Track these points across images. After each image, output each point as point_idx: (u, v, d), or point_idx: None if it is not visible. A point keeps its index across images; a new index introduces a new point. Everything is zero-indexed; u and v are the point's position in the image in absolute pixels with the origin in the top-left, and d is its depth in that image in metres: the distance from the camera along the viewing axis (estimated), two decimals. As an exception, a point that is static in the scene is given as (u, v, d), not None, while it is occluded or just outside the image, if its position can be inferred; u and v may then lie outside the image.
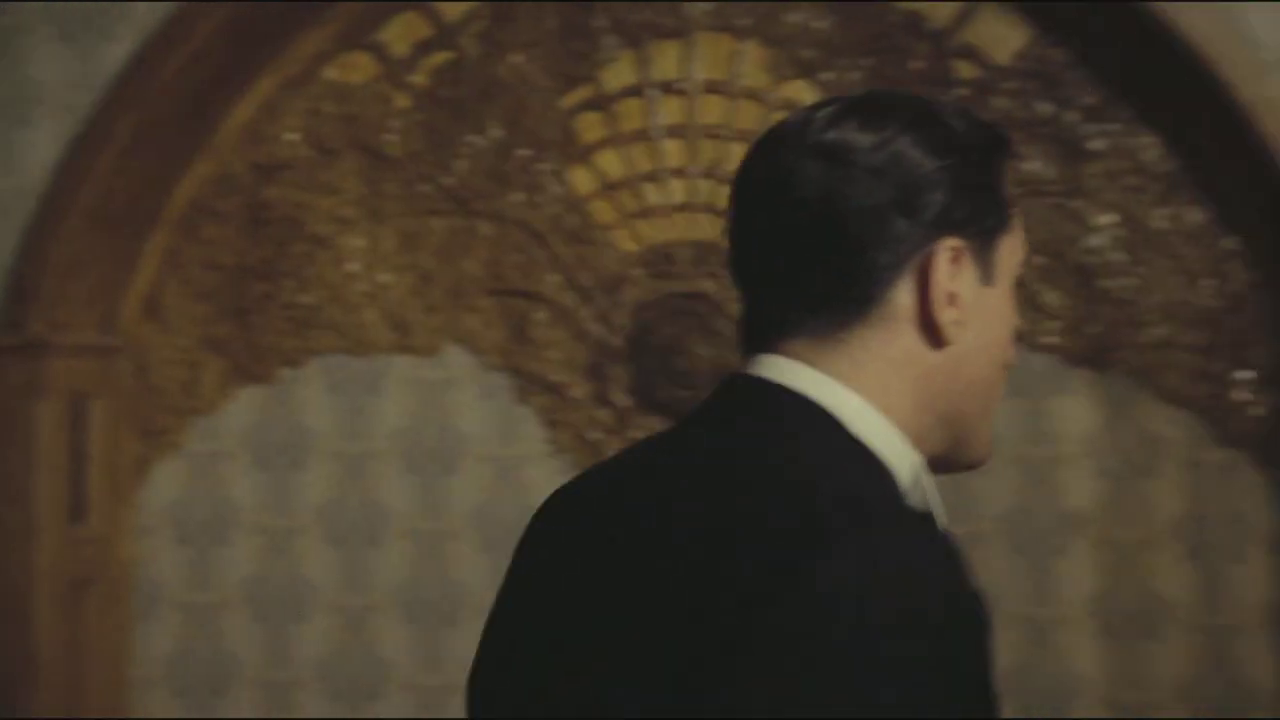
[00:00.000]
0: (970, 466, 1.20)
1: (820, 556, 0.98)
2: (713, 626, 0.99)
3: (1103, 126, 4.17)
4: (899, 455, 1.12)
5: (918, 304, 1.14)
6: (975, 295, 1.17)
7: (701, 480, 1.09)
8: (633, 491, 1.15)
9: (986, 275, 1.19)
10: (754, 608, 0.98)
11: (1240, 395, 4.10)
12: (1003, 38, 4.22)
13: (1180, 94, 4.03)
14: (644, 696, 1.03)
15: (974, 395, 1.19)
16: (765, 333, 1.15)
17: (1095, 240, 4.18)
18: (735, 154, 4.30)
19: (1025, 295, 4.21)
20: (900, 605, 0.96)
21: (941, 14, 4.24)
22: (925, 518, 1.09)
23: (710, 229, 4.35)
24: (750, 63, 4.36)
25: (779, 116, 4.20)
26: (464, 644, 3.96)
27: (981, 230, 1.18)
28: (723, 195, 4.33)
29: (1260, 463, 4.09)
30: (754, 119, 4.33)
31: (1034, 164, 4.21)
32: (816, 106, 1.17)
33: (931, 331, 1.14)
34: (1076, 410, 4.20)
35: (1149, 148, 4.15)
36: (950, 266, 1.14)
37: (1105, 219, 4.18)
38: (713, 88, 4.39)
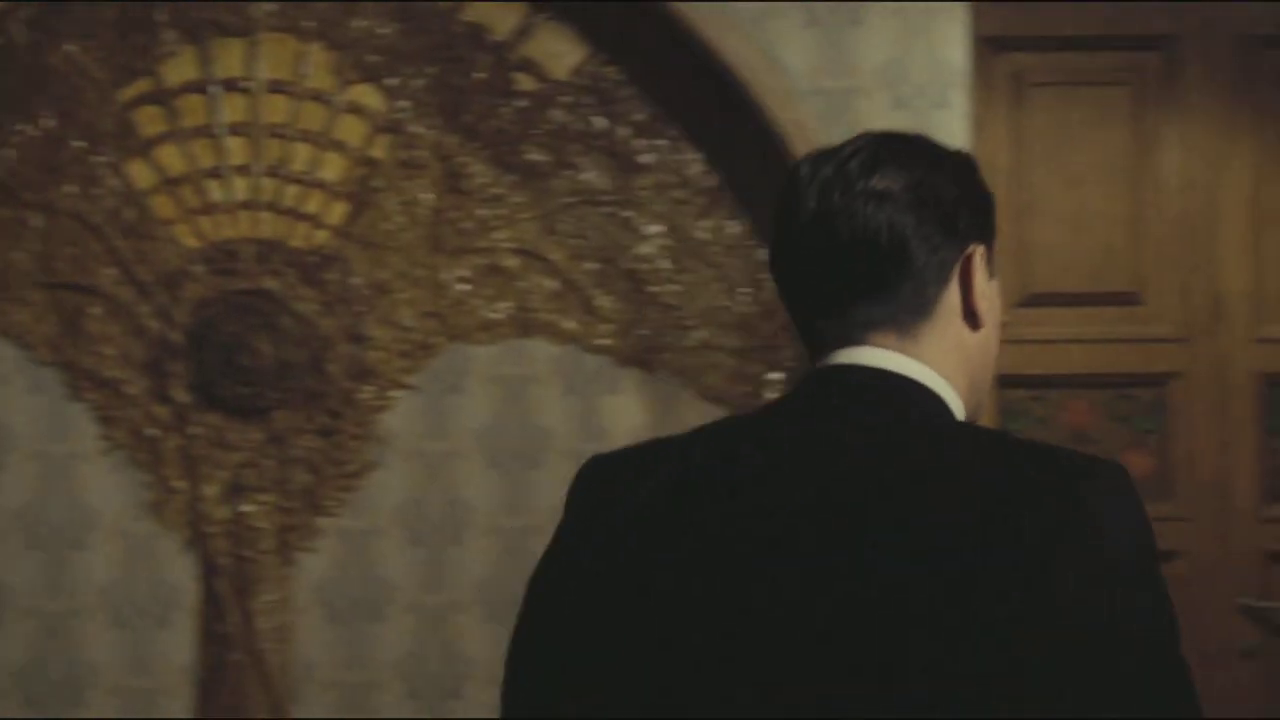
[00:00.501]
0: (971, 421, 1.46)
1: (1081, 494, 1.25)
2: (1000, 561, 1.22)
3: (652, 142, 4.44)
4: (961, 417, 1.42)
5: (961, 299, 1.41)
6: (988, 287, 1.44)
7: (885, 439, 1.32)
8: (798, 454, 1.33)
9: (990, 271, 1.45)
10: (1046, 540, 1.22)
11: (771, 394, 4.46)
12: (560, 53, 4.43)
13: (721, 115, 4.34)
14: (928, 632, 1.21)
15: (990, 364, 1.47)
16: (850, 334, 1.39)
17: (645, 249, 4.45)
18: (300, 153, 4.35)
19: (580, 299, 4.44)
20: (1146, 524, 1.29)
21: (503, 27, 4.41)
22: None
23: (274, 227, 4.37)
24: (315, 65, 4.41)
25: (345, 119, 4.35)
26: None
27: (986, 236, 1.45)
28: (289, 193, 4.37)
29: (789, 457, 4.45)
30: (319, 120, 4.38)
31: (589, 175, 4.44)
32: (843, 155, 1.42)
33: (972, 319, 1.42)
34: (627, 408, 4.45)
35: (693, 163, 4.45)
36: (979, 265, 1.42)
37: (654, 229, 4.45)
38: (277, 87, 4.41)
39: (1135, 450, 4.33)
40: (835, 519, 1.28)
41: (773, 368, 4.46)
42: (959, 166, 1.44)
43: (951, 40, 4.06)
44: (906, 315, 1.39)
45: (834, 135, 3.98)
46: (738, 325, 4.45)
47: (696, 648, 1.30)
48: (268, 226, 4.41)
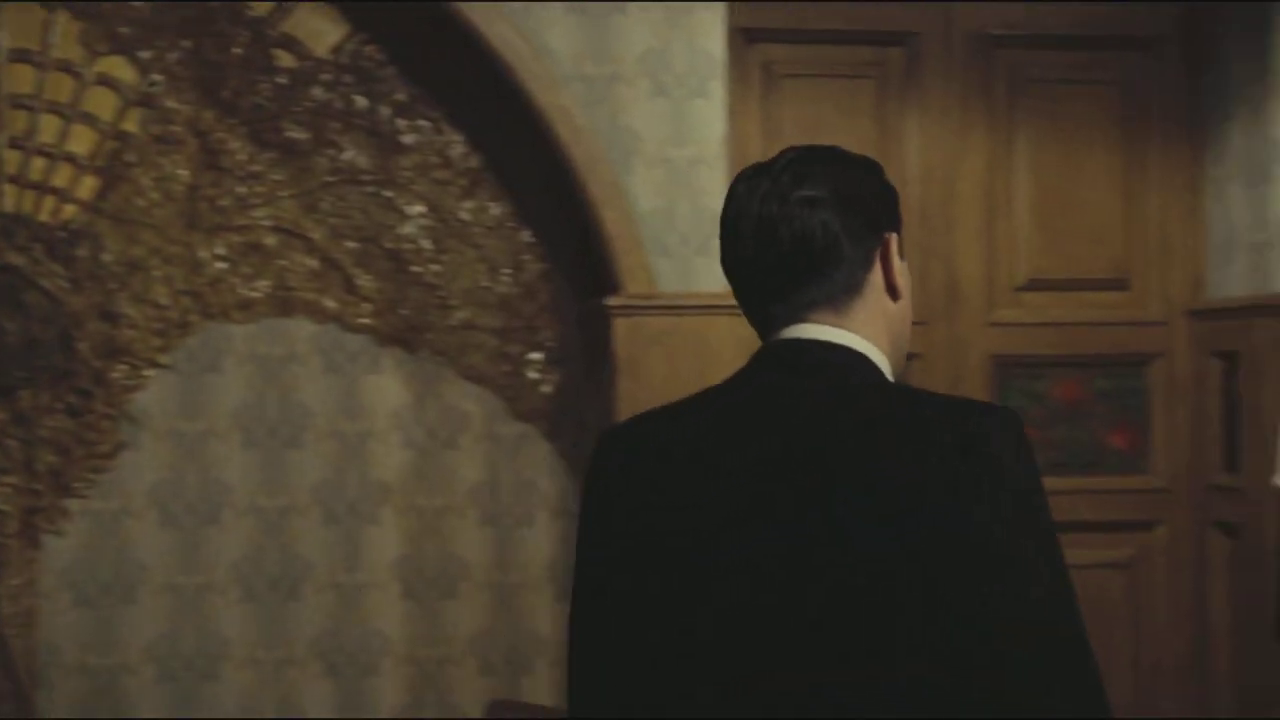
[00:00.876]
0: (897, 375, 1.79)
1: (984, 429, 1.62)
2: (927, 479, 1.60)
3: (414, 122, 4.45)
4: (888, 372, 1.76)
5: (884, 277, 1.74)
6: (901, 265, 1.76)
7: (834, 394, 1.68)
8: (778, 409, 1.69)
9: (901, 252, 1.77)
10: (955, 462, 1.60)
11: (532, 374, 4.53)
12: (321, 31, 4.40)
13: (484, 97, 4.38)
14: (886, 525, 1.59)
15: (908, 328, 1.79)
16: (795, 312, 1.73)
17: (407, 229, 4.46)
18: (48, 125, 4.22)
19: (341, 278, 4.43)
20: (1027, 447, 1.63)
21: (262, 3, 4.36)
22: None
23: (20, 201, 4.24)
24: (63, 34, 4.28)
25: (95, 91, 4.23)
26: None
27: (895, 224, 1.77)
28: (35, 166, 4.24)
29: (548, 435, 4.54)
30: (67, 91, 4.26)
31: (350, 154, 4.43)
32: (775, 170, 1.75)
33: (893, 292, 1.75)
34: (388, 387, 4.46)
35: (456, 145, 4.48)
36: (894, 249, 1.75)
37: (416, 209, 4.46)
38: (21, 56, 4.27)
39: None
40: (803, 460, 1.65)
41: (533, 348, 4.53)
42: (869, 170, 1.78)
43: (710, 31, 4.18)
44: (841, 295, 1.73)
45: (597, 121, 4.09)
46: (499, 306, 4.50)
47: (713, 582, 1.66)
48: (12, 200, 4.28)
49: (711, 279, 4.14)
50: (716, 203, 4.17)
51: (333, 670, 4.41)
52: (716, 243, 4.28)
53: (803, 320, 1.73)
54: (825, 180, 1.73)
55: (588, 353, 4.51)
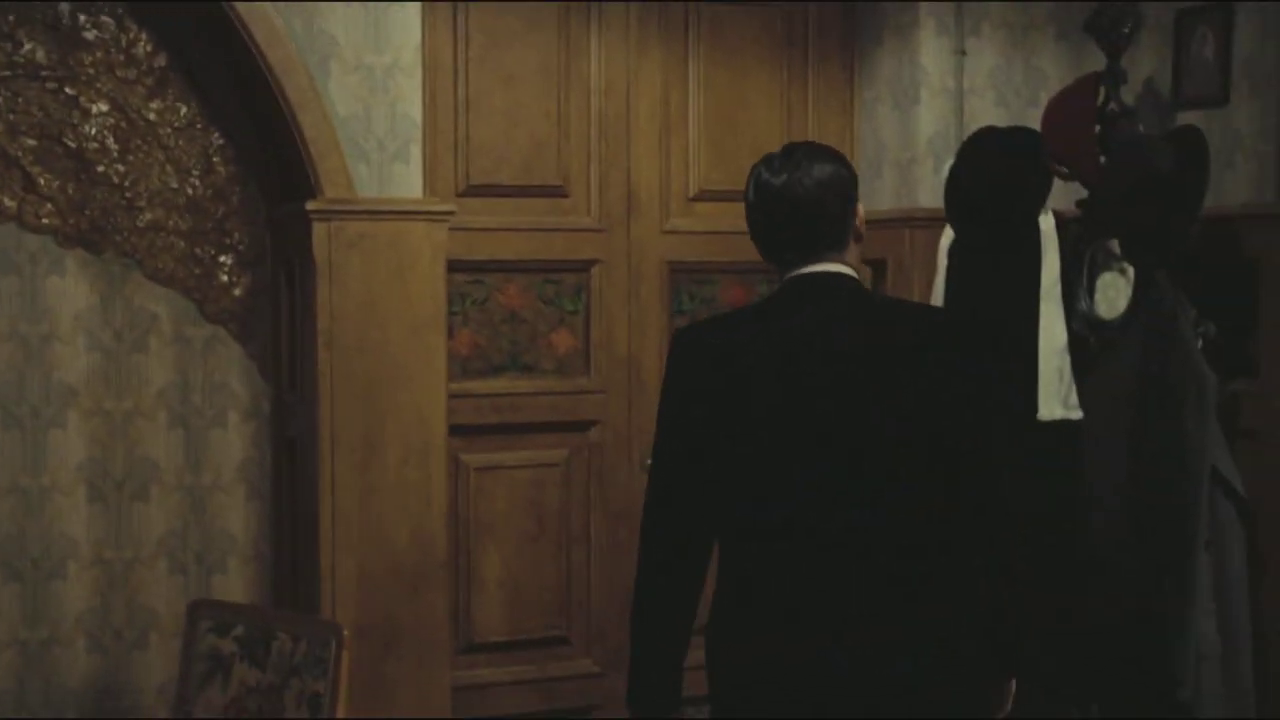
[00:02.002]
0: None
1: (940, 317, 3.17)
2: (930, 361, 2.66)
3: (96, 18, 4.35)
4: None
5: (854, 229, 2.77)
6: (862, 219, 2.80)
7: (848, 304, 2.72)
8: (813, 311, 2.70)
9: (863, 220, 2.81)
10: (939, 349, 2.67)
11: (223, 277, 4.53)
12: (-4, -82, 4.24)
13: (170, -5, 4.32)
14: (913, 387, 2.64)
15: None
16: (809, 254, 2.72)
17: (90, 127, 4.37)
18: None
19: (21, 176, 4.31)
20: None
21: (-68, -115, 4.16)
22: None
23: None
24: None
25: None
26: None
27: (857, 196, 2.80)
28: None
29: (239, 337, 4.56)
30: None
31: (30, 47, 4.29)
32: (794, 158, 2.74)
33: (859, 239, 2.78)
34: (71, 289, 4.38)
35: (141, 42, 4.40)
36: (860, 211, 2.78)
37: (99, 107, 4.37)
38: None
39: (561, 329, 4.77)
40: (839, 344, 2.67)
41: (224, 250, 4.53)
42: (843, 162, 2.77)
43: (407, -60, 4.25)
44: (836, 241, 2.74)
45: (292, 23, 4.11)
46: (188, 207, 4.48)
47: (777, 419, 2.66)
48: None
49: (407, 185, 4.25)
50: (413, 109, 4.27)
51: (17, 575, 4.35)
52: (413, 148, 4.41)
53: (815, 260, 2.73)
54: (825, 166, 2.73)
55: (278, 256, 4.54)
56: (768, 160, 2.76)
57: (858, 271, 2.77)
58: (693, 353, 2.74)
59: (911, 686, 2.63)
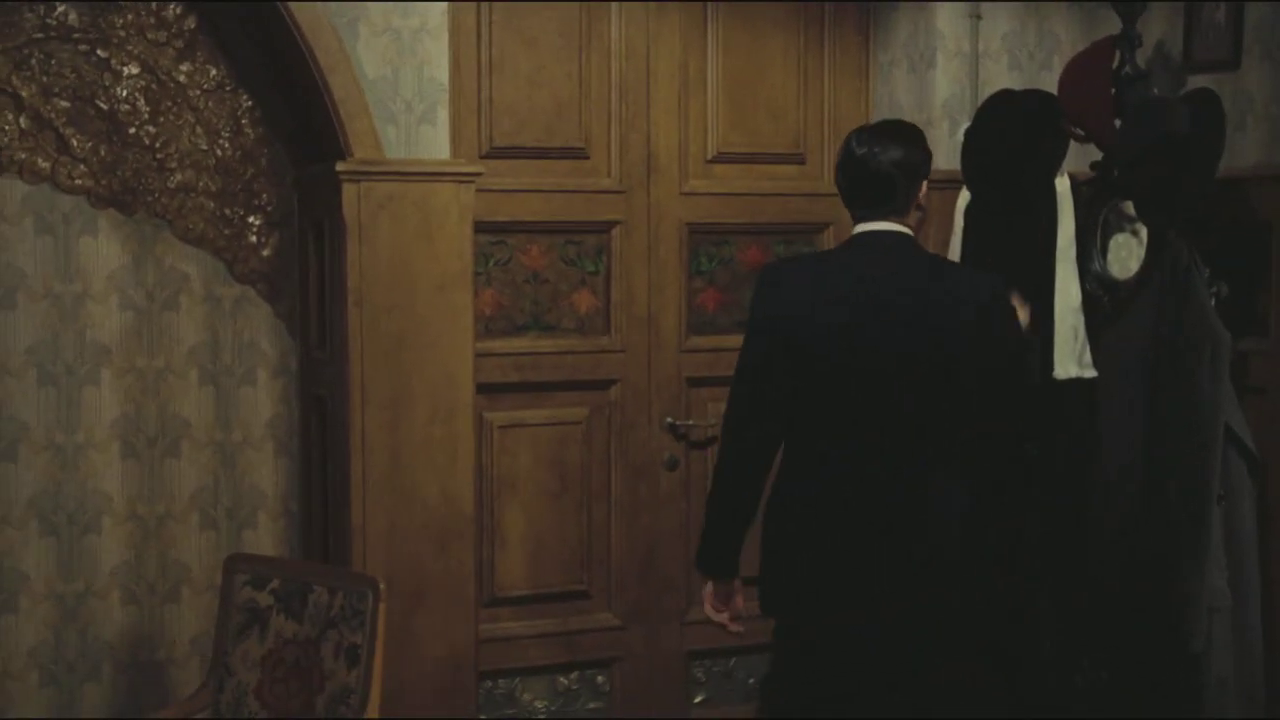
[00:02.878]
0: None
1: (992, 284, 3.46)
2: (968, 310, 3.37)
3: (127, -19, 4.41)
4: None
5: (916, 201, 3.47)
6: (925, 194, 3.49)
7: (906, 259, 3.45)
8: (875, 261, 3.44)
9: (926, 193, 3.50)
10: (982, 305, 3.39)
11: (251, 237, 4.60)
12: (27, -118, 4.29)
13: (200, -42, 4.38)
14: (952, 322, 3.36)
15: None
16: (874, 213, 3.45)
17: (121, 89, 4.43)
18: None
19: (54, 138, 4.38)
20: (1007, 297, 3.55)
21: None
22: None
23: None
24: None
25: None
26: None
27: (927, 174, 3.47)
28: None
29: (268, 296, 4.63)
30: None
31: (62, 10, 4.35)
32: (868, 137, 3.48)
33: (921, 209, 3.48)
34: (104, 248, 4.45)
35: (171, 5, 4.46)
36: (924, 188, 3.47)
37: (130, 70, 4.44)
38: None
39: (582, 290, 4.84)
40: (890, 284, 3.38)
41: (251, 211, 4.60)
42: (918, 142, 3.47)
43: (436, -92, 4.31)
44: (899, 208, 3.44)
45: (321, -14, 4.13)
46: (218, 168, 4.55)
47: (837, 337, 3.37)
48: None
49: (434, 147, 4.32)
50: (440, 72, 4.34)
51: (53, 530, 4.44)
52: (440, 110, 4.47)
53: (880, 219, 3.45)
54: (898, 145, 3.42)
55: (305, 216, 4.61)
56: (859, 132, 3.50)
57: (915, 232, 3.49)
58: (776, 282, 3.48)
59: (926, 560, 3.36)
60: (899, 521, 3.36)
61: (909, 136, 3.47)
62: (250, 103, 4.56)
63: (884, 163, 3.39)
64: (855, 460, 3.38)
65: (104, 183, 4.43)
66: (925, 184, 3.45)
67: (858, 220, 3.48)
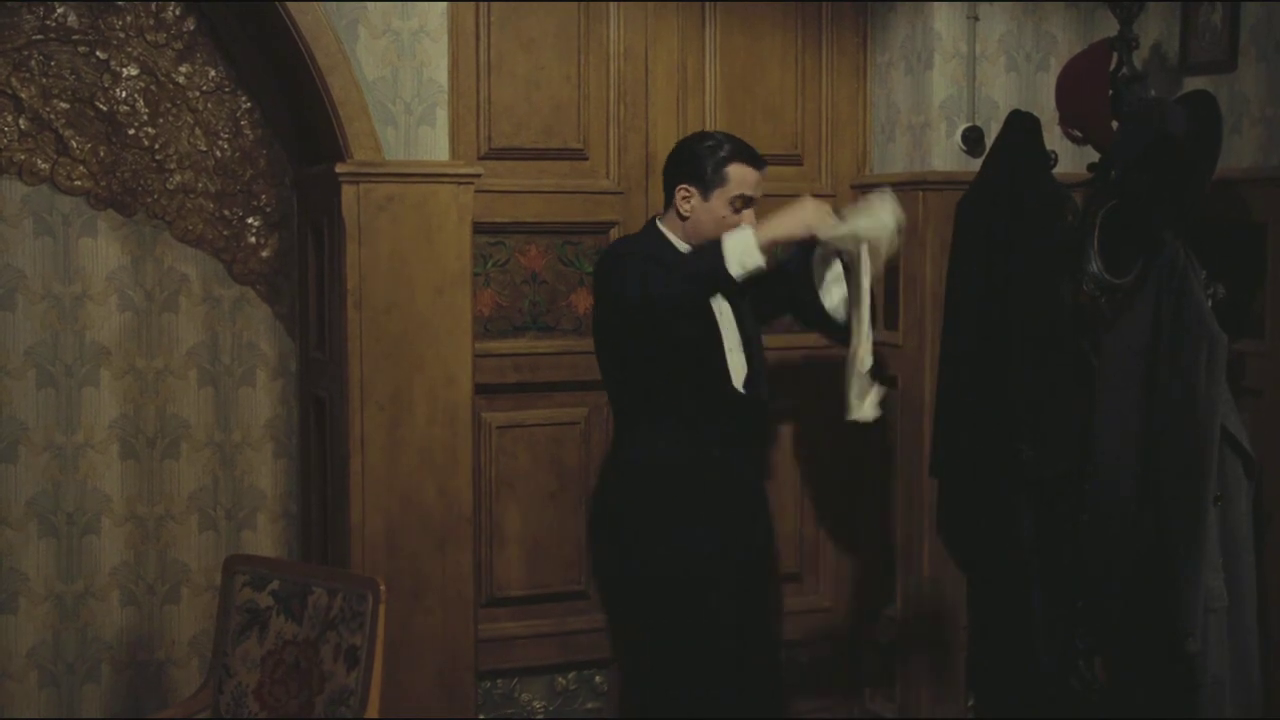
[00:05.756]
0: None
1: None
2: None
3: (126, -18, 4.41)
4: None
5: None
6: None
7: None
8: None
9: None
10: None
11: (250, 238, 4.61)
12: (26, -117, 4.29)
13: (199, -40, 4.38)
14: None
15: None
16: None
17: (120, 90, 4.44)
18: None
19: (53, 140, 4.38)
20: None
21: None
22: None
23: None
24: None
25: None
26: None
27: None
28: None
29: (267, 297, 4.64)
30: None
31: (61, 11, 4.36)
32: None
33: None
34: (103, 249, 4.46)
35: (170, 6, 4.47)
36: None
37: (129, 71, 4.44)
38: None
39: (580, 290, 4.85)
40: None
41: (250, 212, 4.61)
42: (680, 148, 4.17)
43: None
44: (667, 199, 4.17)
45: (320, -11, 4.14)
46: (217, 170, 4.55)
47: None
48: None
49: (433, 148, 4.32)
50: (439, 73, 4.35)
51: (52, 530, 4.45)
52: (439, 111, 4.47)
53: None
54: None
55: (304, 217, 4.62)
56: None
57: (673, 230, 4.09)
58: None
59: None
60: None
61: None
62: (249, 104, 4.57)
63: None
64: None
65: (103, 184, 4.44)
66: (684, 189, 4.01)
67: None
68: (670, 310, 3.81)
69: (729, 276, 3.77)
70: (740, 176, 4.03)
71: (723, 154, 4.02)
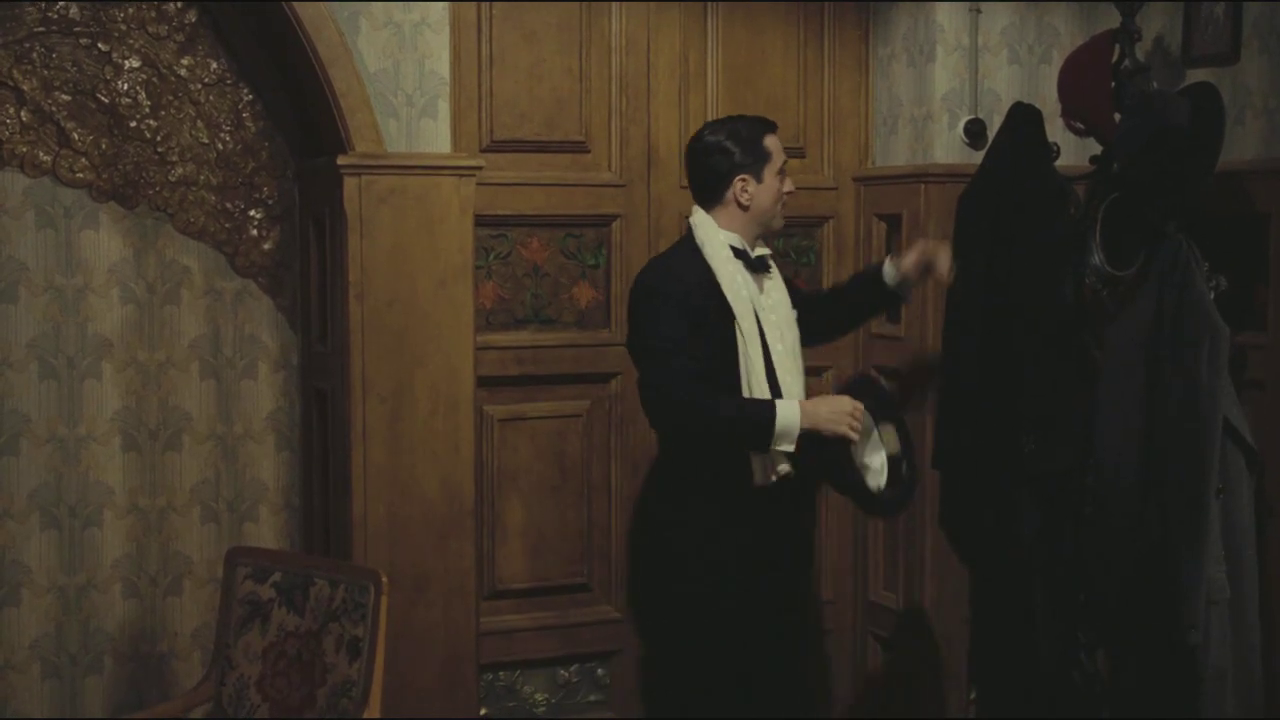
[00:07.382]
0: None
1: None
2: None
3: (127, -25, 4.41)
4: None
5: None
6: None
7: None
8: None
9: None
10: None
11: (252, 230, 4.61)
12: (28, -125, 4.29)
13: (201, -48, 4.38)
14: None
15: None
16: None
17: (122, 83, 4.43)
18: None
19: (55, 132, 4.38)
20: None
21: None
22: None
23: None
24: None
25: None
26: None
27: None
28: None
29: (269, 290, 4.64)
30: None
31: (63, 4, 4.36)
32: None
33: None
34: (105, 242, 4.46)
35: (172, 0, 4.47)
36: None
37: (131, 63, 4.44)
38: None
39: (582, 283, 4.85)
40: None
41: (252, 205, 4.61)
42: (736, 129, 4.06)
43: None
44: (711, 197, 4.08)
45: (322, -19, 4.14)
46: (219, 162, 4.55)
47: None
48: None
49: (435, 141, 4.32)
50: (441, 66, 4.35)
51: (55, 522, 4.45)
52: (441, 104, 4.48)
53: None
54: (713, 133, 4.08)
55: (306, 210, 4.62)
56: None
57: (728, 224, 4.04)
58: None
59: None
60: None
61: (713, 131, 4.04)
62: (251, 96, 4.57)
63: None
64: None
65: (105, 176, 4.43)
66: (742, 179, 3.96)
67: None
68: (674, 416, 3.83)
69: (765, 444, 3.81)
70: (774, 144, 4.05)
71: (753, 132, 4.02)
